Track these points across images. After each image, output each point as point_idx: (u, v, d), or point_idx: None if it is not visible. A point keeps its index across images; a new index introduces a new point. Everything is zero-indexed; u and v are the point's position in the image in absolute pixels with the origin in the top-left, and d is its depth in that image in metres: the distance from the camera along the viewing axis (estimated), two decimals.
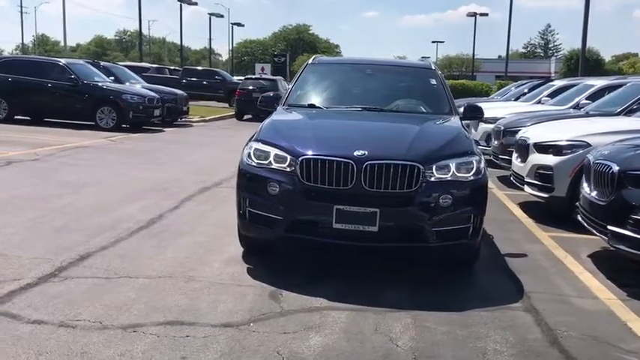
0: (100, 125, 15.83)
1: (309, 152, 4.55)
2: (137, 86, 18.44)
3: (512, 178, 8.15)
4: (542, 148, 7.21)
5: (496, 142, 10.15)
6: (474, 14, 48.50)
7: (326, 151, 4.54)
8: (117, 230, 5.84)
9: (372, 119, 5.64)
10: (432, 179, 4.53)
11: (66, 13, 41.59)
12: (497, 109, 12.57)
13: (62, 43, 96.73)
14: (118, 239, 5.57)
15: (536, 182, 7.19)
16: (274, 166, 4.66)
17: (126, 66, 27.06)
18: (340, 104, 5.97)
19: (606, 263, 5.55)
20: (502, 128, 9.81)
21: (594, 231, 5.24)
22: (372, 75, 6.47)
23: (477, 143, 12.36)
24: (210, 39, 59.27)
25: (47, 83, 16.12)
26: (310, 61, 6.66)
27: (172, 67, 36.88)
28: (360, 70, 6.60)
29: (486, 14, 51.13)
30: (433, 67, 6.47)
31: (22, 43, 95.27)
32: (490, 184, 9.83)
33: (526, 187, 7.44)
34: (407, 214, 4.49)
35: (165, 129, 17.18)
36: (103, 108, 15.93)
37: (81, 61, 18.59)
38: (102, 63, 20.38)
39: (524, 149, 7.57)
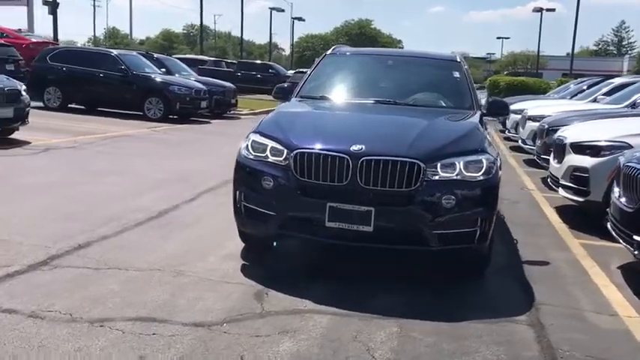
0: (147, 115, 16.05)
1: (304, 146, 4.32)
2: (191, 78, 18.65)
3: (549, 180, 7.65)
4: (580, 148, 6.71)
5: (539, 142, 9.62)
6: (540, 10, 46.77)
7: (321, 145, 4.29)
8: (125, 220, 5.77)
9: (382, 113, 5.35)
10: (436, 178, 4.21)
11: (136, 7, 42.66)
12: (545, 107, 11.97)
13: (131, 36, 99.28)
14: (122, 229, 5.50)
15: (571, 185, 6.70)
16: (271, 159, 4.45)
17: (183, 59, 27.55)
18: (354, 97, 5.70)
19: (638, 277, 5.07)
20: (546, 127, 9.27)
21: (620, 240, 4.80)
22: (392, 67, 6.16)
23: (524, 142, 11.94)
24: (270, 33, 59.65)
25: (99, 73, 16.46)
26: (329, 51, 6.41)
27: (230, 61, 37.26)
28: (381, 61, 6.29)
29: (553, 10, 49.39)
30: (458, 60, 6.09)
31: (94, 36, 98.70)
32: (531, 186, 9.39)
33: (560, 190, 6.96)
34: (405, 215, 4.19)
35: (212, 121, 17.29)
36: (151, 99, 16.16)
37: (133, 53, 18.94)
38: (155, 55, 20.70)
39: (560, 149, 7.07)
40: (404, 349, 3.45)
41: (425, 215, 4.17)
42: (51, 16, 27.04)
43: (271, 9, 56.08)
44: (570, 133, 7.07)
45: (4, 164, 8.33)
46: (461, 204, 4.22)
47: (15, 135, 10.56)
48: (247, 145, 4.66)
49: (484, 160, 4.37)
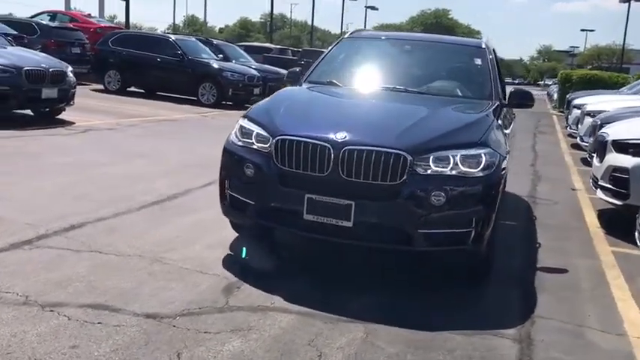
0: (201, 101, 16.19)
1: (286, 132, 4.05)
2: (250, 65, 18.66)
3: (590, 181, 7.03)
4: (622, 146, 6.09)
5: (591, 139, 8.91)
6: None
7: (303, 132, 4.01)
8: (130, 202, 5.70)
9: (385, 100, 4.99)
10: (428, 172, 3.84)
11: None
12: (607, 102, 11.11)
13: (209, 24, 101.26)
14: (124, 212, 5.42)
15: (610, 186, 6.10)
16: (256, 146, 4.21)
17: (249, 46, 27.74)
18: (363, 83, 5.36)
19: None
20: (598, 122, 8.57)
21: None
22: (410, 52, 5.75)
23: (582, 139, 11.15)
24: (342, 22, 59.29)
25: (157, 58, 16.72)
26: (347, 34, 6.07)
27: (296, 49, 37.22)
28: (398, 46, 5.90)
29: None
30: (483, 46, 5.61)
31: (174, 23, 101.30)
32: (580, 186, 8.71)
33: (598, 192, 6.36)
34: (388, 211, 3.85)
35: None
36: (205, 84, 16.27)
37: (191, 38, 19.17)
38: (214, 41, 20.87)
39: (602, 147, 6.46)
40: (360, 358, 3.14)
41: (410, 212, 3.82)
42: (134, 6, 27.79)
43: None
44: (614, 130, 6.45)
45: (40, 143, 8.49)
46: (453, 202, 3.84)
47: (62, 115, 10.83)
48: (236, 131, 4.45)
49: (483, 155, 3.95)
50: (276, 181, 4.03)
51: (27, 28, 18.00)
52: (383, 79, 5.36)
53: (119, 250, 4.45)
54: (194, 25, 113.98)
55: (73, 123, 10.48)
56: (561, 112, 23.15)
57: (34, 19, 20.18)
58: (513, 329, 3.64)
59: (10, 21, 19.04)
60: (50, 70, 9.97)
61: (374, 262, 4.63)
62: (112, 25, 24.08)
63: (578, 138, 11.83)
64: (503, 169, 4.11)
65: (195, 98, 16.30)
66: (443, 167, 3.88)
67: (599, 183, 6.29)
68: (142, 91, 17.39)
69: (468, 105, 4.92)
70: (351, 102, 4.99)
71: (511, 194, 7.59)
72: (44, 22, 19.33)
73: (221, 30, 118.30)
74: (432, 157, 3.87)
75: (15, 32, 16.74)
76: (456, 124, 4.29)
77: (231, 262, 4.38)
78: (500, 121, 4.70)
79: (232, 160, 4.34)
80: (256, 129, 4.26)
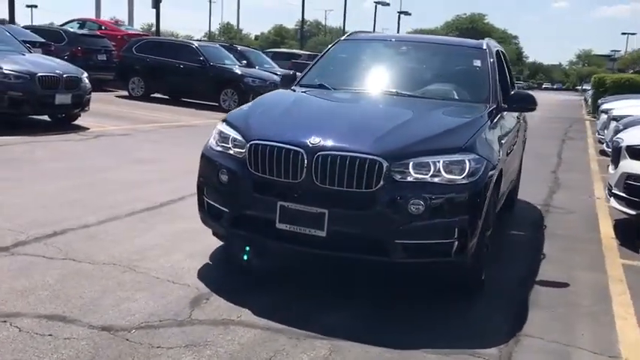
0: (222, 107, 16.15)
1: (260, 137, 3.87)
2: (274, 71, 18.60)
3: (606, 189, 6.66)
4: (636, 152, 5.73)
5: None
6: None
7: (277, 137, 3.82)
8: (120, 209, 5.59)
9: (372, 104, 4.77)
10: (408, 179, 3.61)
11: (252, 3, 43.73)
12: (632, 107, 10.64)
13: (244, 32, 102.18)
14: (110, 218, 5.31)
15: (624, 195, 5.74)
16: (232, 151, 4.04)
17: (277, 52, 27.73)
18: (354, 86, 5.14)
19: None
20: (620, 127, 8.17)
21: None
22: (406, 54, 5.51)
23: (607, 145, 10.67)
24: (374, 27, 58.89)
25: (179, 64, 16.81)
26: (344, 36, 5.87)
27: None
28: (394, 48, 5.66)
29: None
30: (484, 47, 5.32)
31: (209, 31, 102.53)
32: (600, 194, 8.29)
33: (612, 200, 6.00)
34: (362, 220, 3.62)
35: None
36: (226, 90, 16.26)
37: (215, 44, 19.20)
38: (238, 47, 20.89)
39: (616, 153, 6.10)
40: None
41: (386, 221, 3.59)
42: (171, 14, 28.05)
43: (376, 2, 55.38)
44: (628, 135, 6.09)
45: (48, 148, 8.50)
46: (433, 210, 3.60)
47: (78, 121, 10.89)
48: (214, 135, 4.29)
49: (467, 161, 3.70)
50: (250, 188, 3.85)
51: (55, 36, 18.32)
52: (375, 82, 5.14)
53: (94, 258, 4.32)
54: (229, 33, 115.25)
55: (88, 128, 10.52)
56: (594, 117, 22.46)
57: (62, 27, 20.54)
58: (494, 349, 3.37)
59: (39, 29, 19.44)
60: (64, 76, 10.02)
61: (358, 274, 4.40)
62: (139, 32, 24.33)
63: (604, 144, 11.36)
64: (491, 176, 3.85)
65: (217, 104, 16.29)
66: (423, 174, 3.64)
67: (613, 191, 5.93)
68: (167, 97, 17.48)
69: (461, 109, 4.67)
70: (334, 105, 4.79)
71: (523, 202, 7.28)
72: (71, 30, 19.63)
73: (257, 37, 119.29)
74: (411, 163, 3.64)
75: (42, 40, 17.06)
76: (440, 128, 4.04)
77: (206, 272, 4.22)
78: (494, 126, 4.43)
79: (209, 166, 4.19)
80: (233, 134, 4.09)
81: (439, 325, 3.67)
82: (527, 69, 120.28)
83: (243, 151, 3.94)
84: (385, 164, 3.58)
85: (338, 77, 5.30)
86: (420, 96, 4.87)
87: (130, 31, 22.66)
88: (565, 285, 4.54)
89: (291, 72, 5.71)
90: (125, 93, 17.54)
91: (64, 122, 10.67)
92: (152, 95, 17.41)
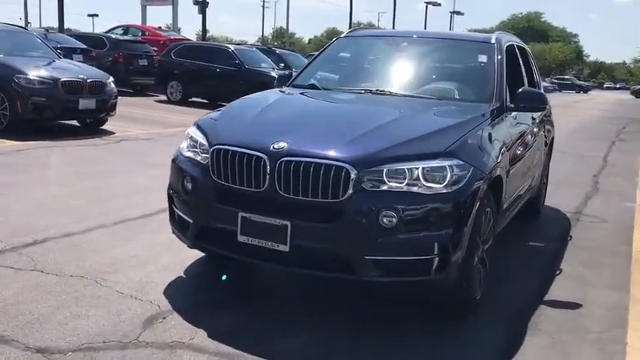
0: None
1: (223, 141, 3.56)
2: None
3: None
4: None
5: None
6: None
7: (238, 141, 3.50)
8: (111, 217, 5.39)
9: (356, 104, 4.39)
10: (382, 187, 3.23)
11: (306, 6, 43.88)
12: None
13: (297, 35, 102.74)
14: (98, 226, 5.11)
15: None
16: (200, 157, 3.75)
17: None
18: (347, 85, 4.76)
19: None
20: None
21: None
22: (407, 50, 5.07)
23: None
24: (425, 28, 57.94)
25: (216, 68, 16.77)
26: (343, 34, 5.49)
27: None
28: (394, 44, 5.22)
29: None
30: (492, 41, 4.82)
31: (262, 36, 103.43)
32: None
33: None
34: (328, 233, 3.25)
35: None
36: None
37: (252, 48, 19.10)
38: (277, 50, 20.74)
39: None
40: None
41: (354, 235, 3.21)
42: (227, 21, 28.33)
43: (427, 3, 54.49)
44: None
45: (64, 153, 8.45)
46: (408, 223, 3.20)
47: (106, 125, 10.89)
48: (186, 140, 4.01)
49: (448, 167, 3.28)
50: (214, 198, 3.54)
51: (98, 42, 18.66)
52: (369, 82, 4.74)
53: (63, 269, 4.11)
54: (282, 37, 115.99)
55: (113, 133, 10.50)
56: None
57: (105, 34, 20.90)
58: None
59: (84, 36, 19.85)
60: (88, 80, 10.01)
61: (346, 287, 4.02)
62: (181, 37, 24.54)
63: None
64: (480, 184, 3.40)
65: None
66: (399, 182, 3.24)
67: None
68: (205, 101, 17.47)
69: (456, 109, 4.23)
70: (315, 107, 4.42)
71: (551, 209, 6.73)
72: (113, 36, 19.92)
73: (310, 41, 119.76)
74: (385, 170, 3.25)
75: (83, 46, 17.36)
76: (424, 130, 3.60)
77: (175, 288, 3.93)
78: (493, 128, 3.97)
79: (176, 173, 3.92)
80: (200, 138, 3.80)
81: (418, 353, 3.26)
82: (588, 68, 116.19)
83: (208, 156, 3.64)
84: (353, 172, 3.20)
85: (330, 76, 4.94)
86: (416, 95, 4.46)
87: (171, 36, 22.88)
88: (577, 306, 4.03)
89: (287, 72, 5.37)
90: (164, 97, 17.63)
91: (91, 127, 10.69)
92: (190, 99, 17.43)
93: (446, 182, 3.26)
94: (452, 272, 3.32)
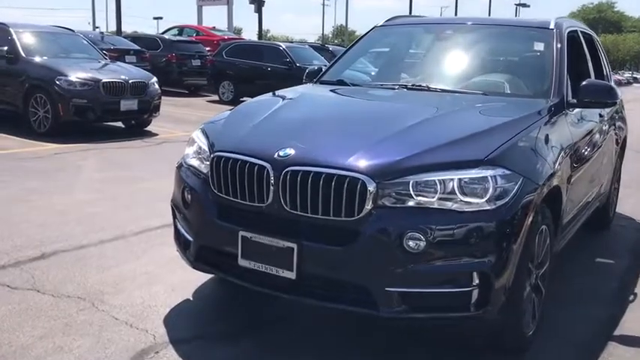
0: None
1: (224, 148, 3.06)
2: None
3: None
4: None
5: None
6: None
7: (240, 147, 2.99)
8: (131, 227, 5.01)
9: (385, 102, 3.80)
10: (409, 203, 2.65)
11: (360, 4, 43.48)
12: None
13: (357, 33, 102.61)
14: (112, 238, 4.74)
15: None
16: (203, 165, 3.26)
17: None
18: (379, 80, 4.23)
19: None
20: None
21: None
22: (450, 40, 4.43)
23: None
24: None
25: (267, 67, 16.42)
26: (381, 23, 4.89)
27: None
28: (437, 33, 4.58)
29: None
30: (550, 27, 4.11)
31: (323, 34, 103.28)
32: None
33: None
34: (341, 259, 2.69)
35: None
36: None
37: (304, 46, 18.65)
38: (330, 47, 20.22)
39: None
40: None
41: (373, 262, 2.64)
42: (288, 20, 28.19)
43: None
44: None
45: (99, 156, 8.17)
46: (439, 247, 2.61)
47: (151, 126, 10.68)
48: (189, 145, 3.54)
49: (490, 178, 2.66)
50: (213, 213, 3.05)
51: (152, 43, 18.66)
52: (404, 75, 4.15)
53: (62, 289, 3.72)
54: (342, 35, 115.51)
55: (156, 135, 10.27)
56: None
57: (159, 35, 20.95)
58: None
59: (138, 37, 19.95)
60: (130, 81, 9.77)
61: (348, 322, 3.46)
62: (235, 36, 24.38)
63: None
64: (530, 197, 2.77)
65: None
66: (429, 197, 2.65)
67: None
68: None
69: (506, 105, 3.57)
70: (336, 107, 3.85)
71: (625, 219, 5.93)
72: (167, 37, 19.90)
73: None
74: (411, 182, 2.66)
75: (137, 47, 17.38)
76: (462, 133, 2.97)
77: (178, 313, 3.47)
78: (551, 127, 3.30)
79: (177, 183, 3.45)
80: (202, 143, 3.32)
81: None
82: None
83: (208, 164, 3.15)
84: (371, 184, 2.63)
85: (362, 71, 4.38)
86: (458, 91, 3.83)
87: (225, 36, 22.73)
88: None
89: (316, 67, 4.82)
90: (217, 98, 17.43)
91: (135, 128, 10.49)
92: (242, 99, 17.15)
93: (488, 196, 2.64)
94: (496, 307, 2.70)
